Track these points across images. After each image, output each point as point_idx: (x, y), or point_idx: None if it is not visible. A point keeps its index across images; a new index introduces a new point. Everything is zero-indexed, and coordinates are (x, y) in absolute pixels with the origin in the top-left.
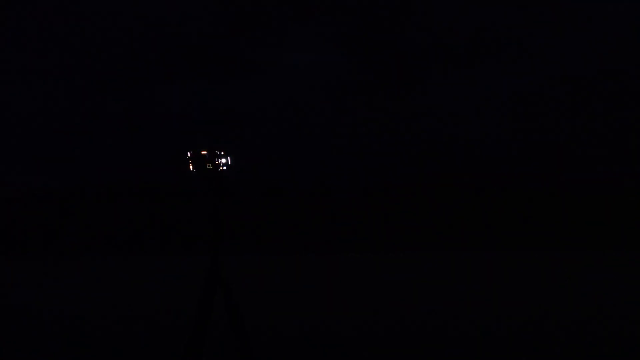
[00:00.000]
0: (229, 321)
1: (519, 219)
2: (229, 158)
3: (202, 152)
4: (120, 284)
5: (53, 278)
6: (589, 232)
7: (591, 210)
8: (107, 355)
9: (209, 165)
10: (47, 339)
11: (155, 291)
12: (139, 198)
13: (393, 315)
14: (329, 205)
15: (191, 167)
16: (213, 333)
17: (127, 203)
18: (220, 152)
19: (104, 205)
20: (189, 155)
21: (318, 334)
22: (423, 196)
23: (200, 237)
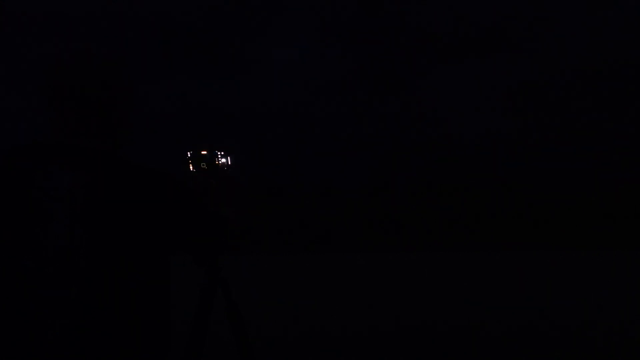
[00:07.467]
0: (229, 321)
1: (518, 219)
2: (229, 158)
3: (202, 152)
4: None
5: None
6: (588, 232)
7: (591, 210)
8: None
9: (203, 165)
10: None
11: None
12: None
13: (393, 316)
14: (328, 204)
15: (191, 167)
16: (213, 333)
17: None
18: (220, 152)
19: None
20: (189, 155)
21: (318, 334)
22: (422, 195)
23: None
